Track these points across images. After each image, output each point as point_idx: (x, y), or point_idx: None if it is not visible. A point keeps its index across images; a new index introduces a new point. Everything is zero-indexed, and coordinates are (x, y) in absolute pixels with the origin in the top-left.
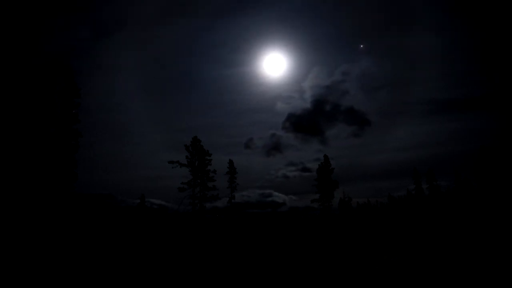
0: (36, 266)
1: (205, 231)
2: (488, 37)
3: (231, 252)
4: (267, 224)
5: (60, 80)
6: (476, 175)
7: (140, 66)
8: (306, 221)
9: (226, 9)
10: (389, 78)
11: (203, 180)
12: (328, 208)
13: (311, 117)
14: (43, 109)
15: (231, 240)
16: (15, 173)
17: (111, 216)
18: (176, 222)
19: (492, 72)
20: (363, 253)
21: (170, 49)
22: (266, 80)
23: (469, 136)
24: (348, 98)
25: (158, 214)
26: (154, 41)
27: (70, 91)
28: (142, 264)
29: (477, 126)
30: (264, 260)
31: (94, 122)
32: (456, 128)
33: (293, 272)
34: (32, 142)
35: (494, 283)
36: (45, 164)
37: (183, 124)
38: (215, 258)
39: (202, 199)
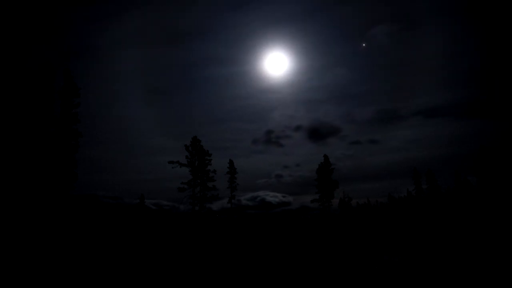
0: (37, 265)
1: (206, 231)
2: (488, 42)
3: (233, 252)
4: (267, 224)
5: (60, 80)
6: (476, 174)
7: (140, 67)
8: (306, 221)
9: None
10: (390, 81)
11: (203, 180)
12: (328, 208)
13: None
14: (43, 109)
15: (232, 241)
16: (16, 173)
17: (116, 216)
18: (177, 222)
19: (491, 77)
20: (363, 253)
21: (170, 51)
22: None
23: (467, 139)
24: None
25: (159, 214)
26: (154, 42)
27: (70, 91)
28: (144, 263)
29: (476, 129)
30: (265, 260)
31: (98, 126)
32: (455, 131)
33: (295, 272)
34: (32, 142)
35: (495, 282)
36: (45, 164)
37: (183, 126)
38: (216, 257)
39: (202, 199)
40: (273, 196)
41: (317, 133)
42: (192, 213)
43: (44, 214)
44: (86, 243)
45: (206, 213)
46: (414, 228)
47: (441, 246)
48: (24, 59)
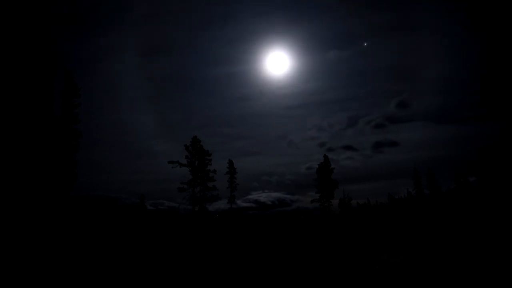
0: (38, 266)
1: (206, 231)
2: (488, 47)
3: (233, 253)
4: (266, 225)
5: (60, 80)
6: (475, 174)
7: (143, 67)
8: (306, 221)
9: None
10: (390, 83)
11: (203, 180)
12: (328, 208)
13: None
14: (43, 109)
15: (232, 241)
16: (16, 173)
17: (116, 216)
18: (177, 222)
19: (491, 81)
20: (363, 253)
21: (173, 50)
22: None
23: (465, 141)
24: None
25: (158, 215)
26: (153, 45)
27: (70, 91)
28: (143, 263)
29: (475, 132)
30: (265, 260)
31: (98, 129)
32: (454, 133)
33: (294, 272)
34: (32, 143)
35: (495, 282)
36: (45, 164)
37: (187, 125)
38: (216, 257)
39: (202, 199)
40: (269, 197)
41: (294, 140)
42: (192, 213)
43: (45, 214)
44: (86, 243)
45: (206, 213)
46: (414, 228)
47: (441, 246)
48: (24, 59)
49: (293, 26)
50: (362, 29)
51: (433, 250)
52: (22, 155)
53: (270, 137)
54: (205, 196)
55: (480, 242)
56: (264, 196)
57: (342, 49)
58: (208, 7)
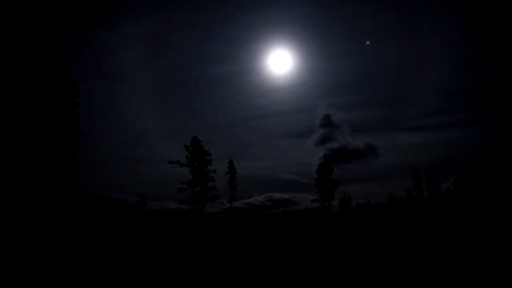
0: (38, 267)
1: (207, 231)
2: (488, 47)
3: (232, 253)
4: (266, 224)
5: (60, 80)
6: (475, 174)
7: (145, 68)
8: (306, 221)
9: None
10: (391, 87)
11: (203, 180)
12: (328, 208)
13: None
14: (43, 109)
15: (232, 241)
16: (15, 173)
17: (117, 216)
18: (177, 222)
19: (491, 82)
20: (363, 253)
21: (175, 50)
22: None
23: (465, 142)
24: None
25: (158, 215)
26: (157, 39)
27: (70, 91)
28: (144, 263)
29: (474, 133)
30: (264, 260)
31: (98, 128)
32: (453, 135)
33: (294, 271)
34: (32, 143)
35: (495, 282)
36: (46, 164)
37: (186, 125)
38: (215, 258)
39: (202, 199)
40: (259, 199)
41: (278, 143)
42: (192, 213)
43: (44, 214)
44: (85, 243)
45: (206, 214)
46: (414, 228)
47: (441, 246)
48: (23, 59)
49: (294, 25)
50: (363, 29)
51: (433, 250)
52: (21, 155)
53: (246, 141)
54: (205, 196)
55: (480, 242)
56: (254, 198)
57: (347, 48)
58: (209, 8)
